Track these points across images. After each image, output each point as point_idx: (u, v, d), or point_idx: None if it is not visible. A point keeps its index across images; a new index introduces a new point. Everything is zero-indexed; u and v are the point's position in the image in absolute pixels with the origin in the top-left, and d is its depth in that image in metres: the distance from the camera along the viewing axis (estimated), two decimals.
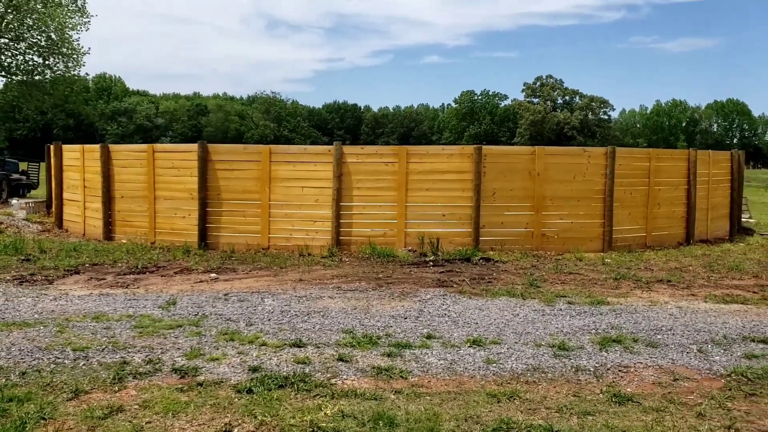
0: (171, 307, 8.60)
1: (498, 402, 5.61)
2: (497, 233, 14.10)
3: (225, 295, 9.43)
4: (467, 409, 5.35)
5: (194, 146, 14.25)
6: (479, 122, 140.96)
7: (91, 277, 10.84)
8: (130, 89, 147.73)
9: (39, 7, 39.13)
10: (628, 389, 6.12)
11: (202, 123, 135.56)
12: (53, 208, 18.09)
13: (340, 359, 6.53)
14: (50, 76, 41.32)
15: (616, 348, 7.39)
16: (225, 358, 6.43)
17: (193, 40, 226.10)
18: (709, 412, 5.58)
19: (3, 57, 40.49)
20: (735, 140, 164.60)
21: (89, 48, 41.60)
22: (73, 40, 40.21)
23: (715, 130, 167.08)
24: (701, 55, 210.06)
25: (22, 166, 29.14)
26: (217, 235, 14.23)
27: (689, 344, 7.58)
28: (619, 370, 6.66)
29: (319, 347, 6.93)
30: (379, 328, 7.79)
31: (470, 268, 12.35)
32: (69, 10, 40.63)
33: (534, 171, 14.18)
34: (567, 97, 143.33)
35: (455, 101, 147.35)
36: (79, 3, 42.05)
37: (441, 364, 6.60)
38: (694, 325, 8.47)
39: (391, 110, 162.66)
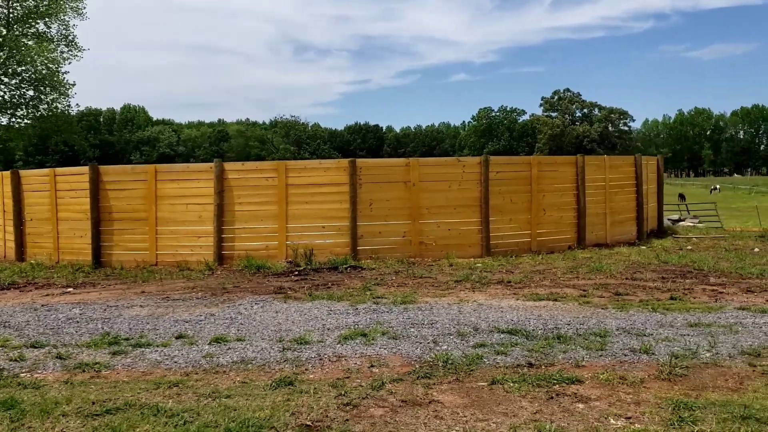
0: None
1: (156, 388, 6.08)
2: (375, 242, 14.55)
3: (42, 306, 10.07)
4: (105, 395, 5.84)
5: (86, 168, 14.98)
6: (498, 138, 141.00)
7: None
8: (154, 119, 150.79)
9: (31, 42, 40.65)
10: (310, 376, 6.54)
11: (224, 149, 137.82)
12: None
13: (59, 357, 7.07)
14: (43, 109, 42.69)
15: (357, 341, 7.79)
16: None
17: (220, 68, 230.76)
18: (352, 391, 5.98)
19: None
20: (762, 146, 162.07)
21: (74, 81, 42.66)
22: (61, 73, 41.62)
23: (741, 137, 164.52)
24: (732, 61, 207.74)
25: None
26: (110, 254, 14.89)
27: (431, 335, 7.96)
28: (329, 360, 7.08)
29: (55, 347, 7.49)
30: (141, 331, 8.33)
31: (330, 275, 12.81)
32: (57, 45, 42.09)
33: (410, 181, 14.63)
34: (585, 110, 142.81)
35: (473, 118, 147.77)
36: (69, 38, 43.61)
37: (156, 359, 7.10)
38: (465, 319, 8.83)
39: (413, 129, 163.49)
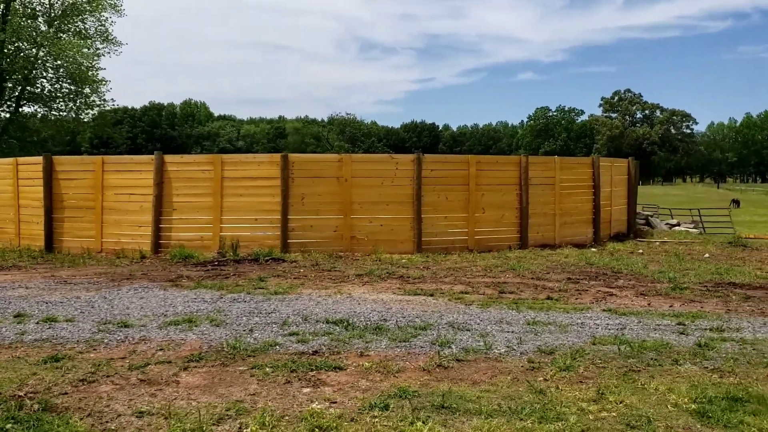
0: None
1: None
2: (306, 236, 14.86)
3: None
4: None
5: (41, 159, 15.73)
6: (555, 138, 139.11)
7: None
8: (216, 114, 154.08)
9: (65, 37, 42.21)
10: (90, 355, 6.92)
11: (281, 145, 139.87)
12: None
13: None
14: (79, 102, 44.22)
15: (179, 327, 8.11)
16: None
17: (285, 65, 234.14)
18: (106, 370, 6.34)
19: (38, 85, 43.82)
20: None
21: (109, 80, 43.95)
22: (95, 69, 43.01)
23: None
24: None
25: None
26: (61, 240, 15.63)
27: (254, 324, 8.21)
28: (129, 342, 7.44)
29: None
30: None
31: (245, 266, 13.20)
32: (93, 41, 43.53)
33: (342, 177, 14.89)
34: (647, 112, 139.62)
35: (529, 118, 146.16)
36: (105, 34, 45.03)
37: None
38: (309, 310, 9.04)
39: (470, 128, 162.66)
